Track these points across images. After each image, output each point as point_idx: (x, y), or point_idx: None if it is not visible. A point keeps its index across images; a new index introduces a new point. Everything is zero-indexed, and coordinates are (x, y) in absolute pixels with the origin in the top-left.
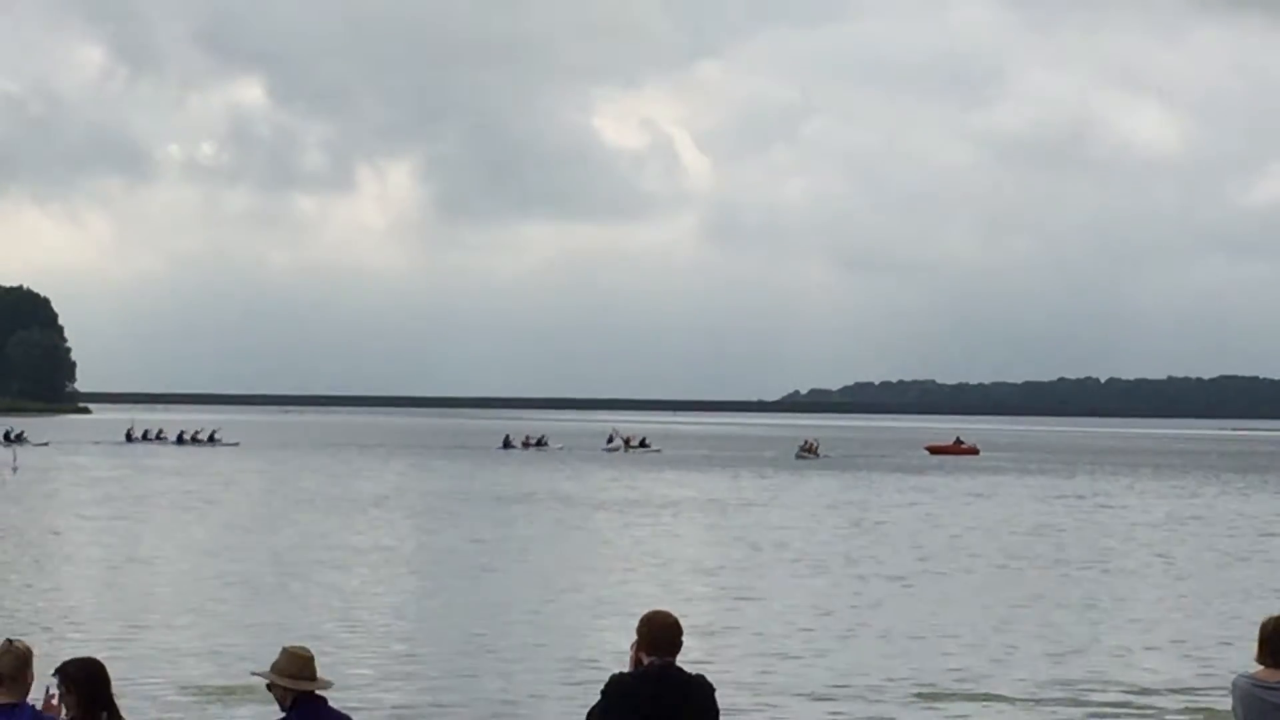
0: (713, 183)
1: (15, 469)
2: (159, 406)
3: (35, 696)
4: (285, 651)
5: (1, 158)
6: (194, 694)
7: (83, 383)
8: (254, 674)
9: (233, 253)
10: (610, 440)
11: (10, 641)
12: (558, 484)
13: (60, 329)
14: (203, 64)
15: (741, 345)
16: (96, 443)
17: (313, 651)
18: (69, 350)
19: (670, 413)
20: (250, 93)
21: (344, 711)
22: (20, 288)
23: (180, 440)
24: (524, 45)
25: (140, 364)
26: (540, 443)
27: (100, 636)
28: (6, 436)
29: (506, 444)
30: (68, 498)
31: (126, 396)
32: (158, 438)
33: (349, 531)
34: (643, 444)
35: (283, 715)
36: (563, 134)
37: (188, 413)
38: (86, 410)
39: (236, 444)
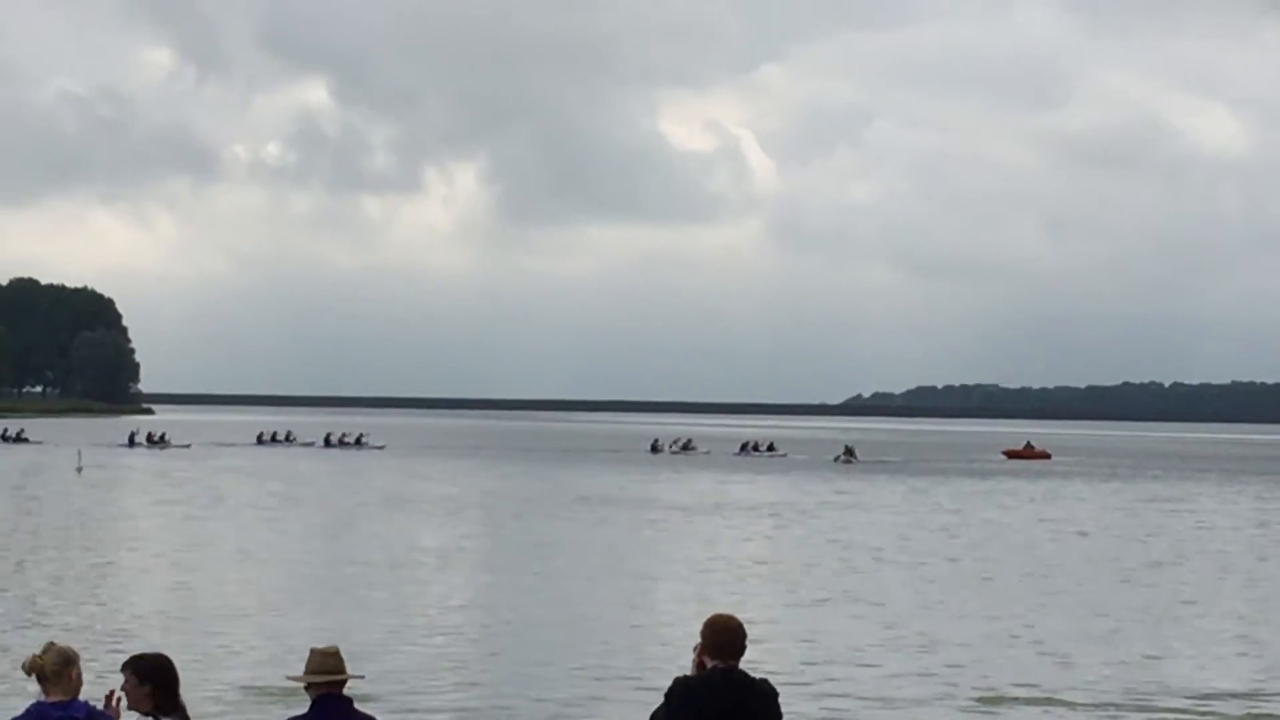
0: (777, 185)
1: (80, 469)
2: (226, 407)
3: (95, 697)
4: (311, 651)
5: (70, 159)
6: (256, 694)
7: (146, 383)
8: (289, 678)
9: (298, 254)
10: (743, 448)
11: (52, 643)
12: (637, 487)
13: (124, 330)
14: (269, 65)
15: (805, 348)
16: (230, 445)
17: (339, 649)
18: (133, 351)
19: (732, 416)
20: (316, 94)
21: (369, 713)
22: (85, 289)
23: (328, 443)
24: (591, 47)
25: (203, 365)
26: (687, 446)
27: (166, 636)
28: (150, 439)
29: (655, 448)
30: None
31: (189, 398)
32: (287, 439)
33: (452, 532)
34: (770, 448)
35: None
36: (629, 136)
37: (252, 414)
38: (150, 411)
39: (383, 446)
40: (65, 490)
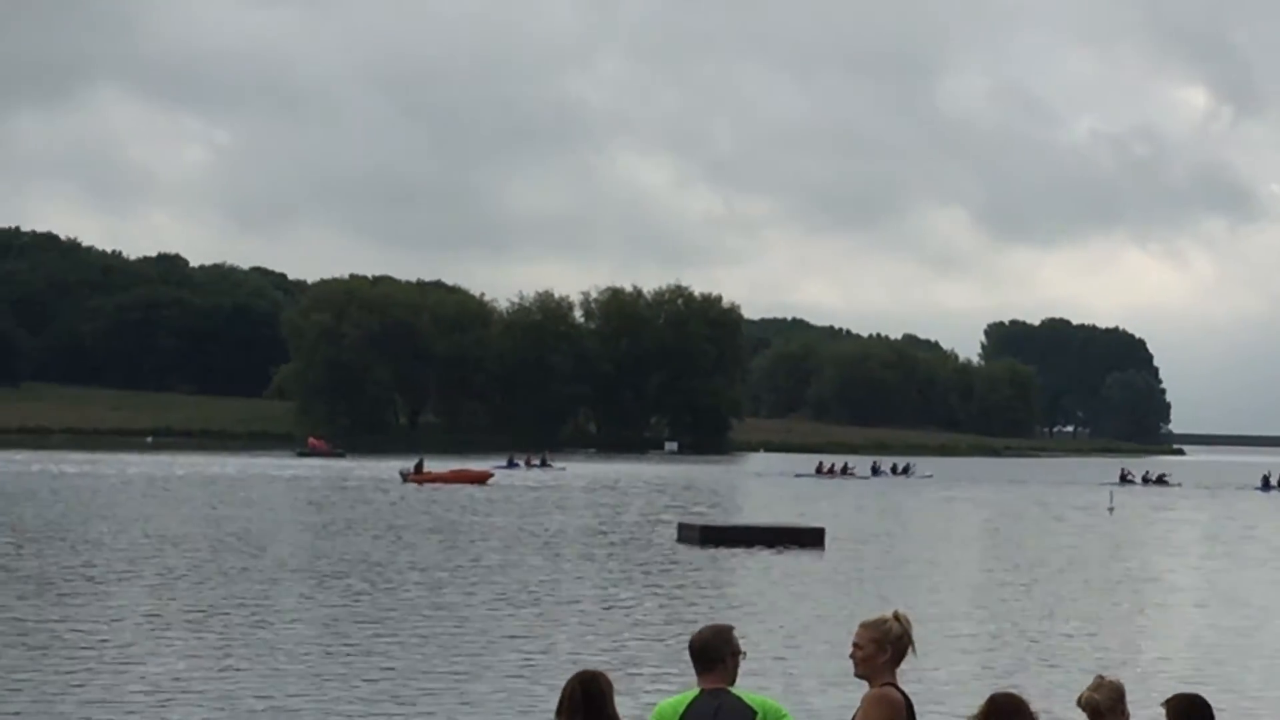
0: None
1: (1111, 509)
2: (1258, 449)
3: None
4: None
5: (1105, 199)
6: None
7: (1176, 424)
8: None
9: None
10: None
11: (1102, 677)
12: None
13: (1155, 370)
14: None
15: None
16: None
17: None
18: (1163, 391)
19: None
20: None
21: None
22: (1116, 329)
23: None
24: None
25: (1236, 406)
26: None
27: (1186, 676)
28: (1124, 478)
29: None
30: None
31: (1218, 438)
32: None
33: None
34: None
35: None
36: None
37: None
38: (1180, 452)
39: None
40: (1099, 528)
